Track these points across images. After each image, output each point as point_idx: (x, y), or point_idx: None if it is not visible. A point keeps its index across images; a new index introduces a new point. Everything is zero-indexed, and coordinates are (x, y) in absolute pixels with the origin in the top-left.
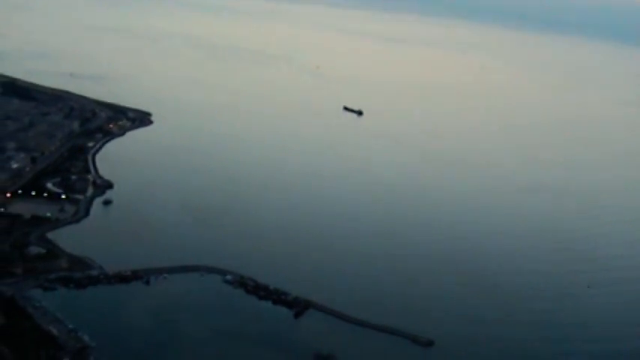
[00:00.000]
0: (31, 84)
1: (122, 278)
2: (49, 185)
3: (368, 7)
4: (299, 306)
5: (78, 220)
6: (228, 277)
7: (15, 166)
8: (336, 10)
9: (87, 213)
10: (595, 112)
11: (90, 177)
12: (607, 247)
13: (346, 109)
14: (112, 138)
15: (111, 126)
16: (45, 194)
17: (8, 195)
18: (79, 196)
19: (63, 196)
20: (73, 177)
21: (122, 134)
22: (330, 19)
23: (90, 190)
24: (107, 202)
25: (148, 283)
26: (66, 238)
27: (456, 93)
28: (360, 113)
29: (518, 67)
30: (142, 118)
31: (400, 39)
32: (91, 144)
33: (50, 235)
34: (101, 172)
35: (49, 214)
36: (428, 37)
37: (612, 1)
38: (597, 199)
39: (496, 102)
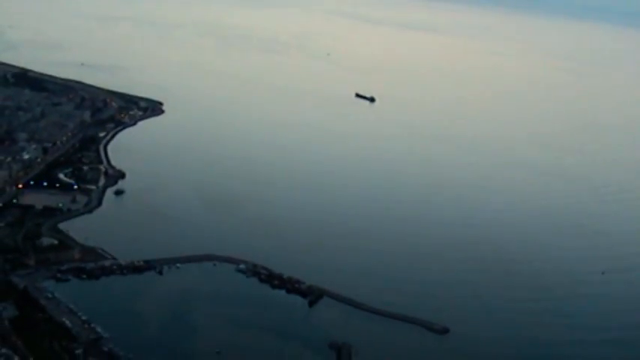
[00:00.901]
0: (43, 74)
1: (135, 268)
2: (61, 176)
3: None
4: (313, 295)
5: (90, 211)
6: (242, 266)
7: (27, 156)
8: None
9: (99, 203)
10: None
11: (102, 167)
12: (621, 232)
13: (358, 95)
14: (124, 128)
15: (122, 115)
16: (57, 185)
17: (20, 186)
18: (91, 187)
19: (75, 187)
20: (85, 167)
21: (134, 124)
22: (341, 6)
23: (102, 181)
24: (119, 192)
25: (160, 273)
26: (78, 228)
27: (468, 79)
28: (372, 100)
29: (529, 51)
30: (153, 108)
31: (411, 25)
32: (102, 134)
33: (62, 226)
34: (113, 162)
35: (61, 205)
36: (438, 23)
37: None
38: (612, 185)
39: (508, 87)
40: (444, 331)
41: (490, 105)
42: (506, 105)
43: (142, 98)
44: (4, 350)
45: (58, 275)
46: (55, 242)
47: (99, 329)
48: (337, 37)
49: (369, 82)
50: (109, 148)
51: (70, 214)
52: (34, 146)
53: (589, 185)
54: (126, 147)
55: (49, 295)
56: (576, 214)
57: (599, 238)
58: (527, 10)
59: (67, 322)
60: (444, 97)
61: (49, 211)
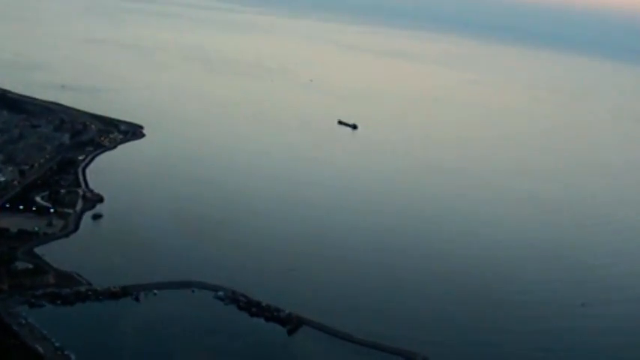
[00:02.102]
0: (22, 96)
1: (111, 294)
2: (38, 199)
3: (359, 22)
4: (292, 323)
5: (67, 235)
6: (220, 293)
7: (3, 179)
8: (330, 25)
9: (76, 227)
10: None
11: (80, 190)
12: (603, 263)
13: (341, 122)
14: (103, 151)
15: (102, 139)
16: (33, 208)
17: None
18: (69, 210)
19: (52, 210)
20: (63, 190)
21: (113, 147)
22: (324, 34)
23: (79, 204)
24: (97, 216)
25: (137, 299)
26: (54, 253)
27: (449, 107)
28: (354, 127)
29: (508, 79)
30: (134, 131)
31: (393, 53)
32: (81, 157)
33: (38, 250)
34: (91, 185)
35: (37, 229)
36: (420, 51)
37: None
38: (594, 213)
39: (489, 116)
40: None
41: (472, 133)
42: (487, 133)
43: (122, 121)
44: None
45: (32, 300)
46: (30, 267)
47: (73, 357)
48: (320, 63)
49: (352, 109)
50: (88, 171)
51: (46, 238)
52: (10, 168)
53: (571, 216)
54: (105, 170)
55: (23, 321)
56: (559, 245)
57: (580, 267)
58: (510, 41)
59: (40, 348)
60: (426, 124)
61: (25, 235)
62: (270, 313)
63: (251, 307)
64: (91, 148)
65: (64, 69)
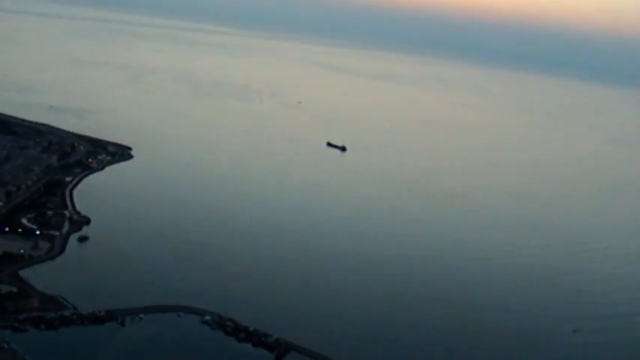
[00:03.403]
0: (10, 117)
1: (96, 319)
2: (24, 221)
3: (348, 45)
4: (280, 349)
5: (52, 258)
6: (207, 317)
7: None
8: (319, 48)
9: (62, 250)
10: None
11: (66, 212)
12: (595, 289)
13: (329, 144)
14: (91, 172)
15: (90, 160)
16: (19, 230)
17: None
18: (55, 233)
19: (37, 232)
20: (49, 212)
21: (101, 169)
22: (312, 56)
23: (66, 226)
24: (83, 239)
25: (123, 324)
26: (39, 276)
27: (438, 129)
28: (343, 149)
29: (497, 103)
30: (122, 152)
31: (381, 76)
32: (68, 178)
33: (23, 273)
34: (78, 207)
35: (22, 251)
36: (408, 74)
37: None
38: (585, 238)
39: (477, 138)
40: None
41: (461, 155)
42: (476, 156)
43: (110, 143)
44: None
45: (15, 325)
46: (14, 290)
47: None
48: (308, 85)
49: (341, 131)
50: (75, 193)
51: (31, 261)
52: None
53: (562, 240)
54: (92, 192)
55: (5, 346)
56: (549, 269)
57: (572, 293)
58: (497, 65)
59: None
60: (415, 147)
61: (9, 258)
62: (258, 339)
63: (239, 332)
64: (78, 170)
65: (53, 90)
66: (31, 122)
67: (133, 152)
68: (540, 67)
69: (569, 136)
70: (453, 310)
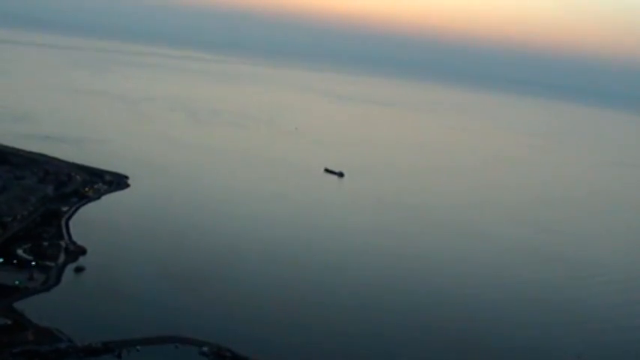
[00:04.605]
0: (6, 147)
1: (92, 351)
2: (20, 252)
3: (343, 71)
4: None
5: (48, 289)
6: (205, 348)
7: None
8: (315, 74)
9: (58, 281)
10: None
11: (62, 243)
12: (599, 315)
13: (327, 170)
14: (87, 202)
15: (86, 189)
16: (14, 261)
17: None
18: (50, 263)
19: (33, 264)
20: (45, 243)
21: (98, 198)
22: (309, 82)
23: (62, 257)
24: (79, 269)
25: (119, 356)
26: (34, 308)
27: (436, 154)
28: (341, 175)
29: (494, 127)
30: (118, 181)
31: (378, 101)
32: (65, 208)
33: (18, 305)
34: (74, 237)
35: (17, 283)
36: (404, 99)
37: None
38: (590, 261)
39: (475, 162)
40: None
41: (459, 179)
42: (474, 180)
43: (107, 172)
44: None
45: (10, 359)
46: (9, 323)
47: None
48: (304, 112)
49: (338, 157)
50: (71, 223)
51: (26, 293)
52: None
53: (566, 264)
54: (89, 222)
55: None
56: (551, 292)
57: (575, 319)
58: (495, 89)
59: None
60: (413, 172)
61: (4, 290)
62: None
63: None
64: (75, 199)
65: (49, 120)
66: (28, 152)
67: (129, 181)
68: (538, 91)
69: (569, 158)
70: (455, 337)
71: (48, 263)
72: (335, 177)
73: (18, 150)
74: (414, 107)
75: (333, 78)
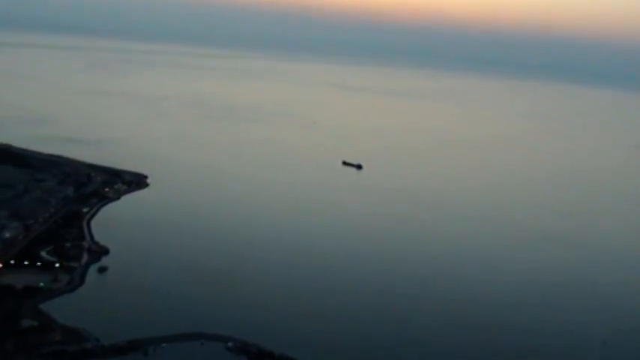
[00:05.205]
0: (26, 150)
1: (118, 350)
2: (43, 254)
3: (360, 63)
4: None
5: (72, 290)
6: (230, 344)
7: (8, 235)
8: (330, 67)
9: (82, 281)
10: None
11: (85, 243)
12: (624, 301)
13: (345, 163)
14: (108, 202)
15: (106, 190)
16: (38, 263)
17: (0, 265)
18: (74, 264)
19: (57, 265)
20: (68, 244)
21: (118, 198)
22: (324, 76)
23: (85, 257)
24: (103, 269)
25: (146, 354)
26: (60, 308)
27: (456, 144)
28: (359, 167)
29: (514, 115)
30: (138, 181)
31: (394, 92)
32: (85, 209)
33: (43, 307)
34: (96, 237)
35: (42, 284)
36: (420, 89)
37: None
38: (611, 247)
39: (495, 151)
40: None
41: (479, 169)
42: (494, 169)
43: (126, 172)
44: None
45: (38, 359)
46: (35, 324)
47: None
48: (322, 105)
49: (356, 150)
50: (93, 223)
51: (51, 294)
52: (15, 224)
53: (587, 250)
54: (110, 222)
55: None
56: (576, 278)
57: (600, 305)
58: (510, 75)
59: None
60: (431, 162)
61: (30, 291)
62: None
63: (263, 357)
64: (95, 200)
65: (68, 122)
66: (47, 155)
67: (148, 180)
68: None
69: (582, 144)
70: (476, 323)
71: (71, 264)
72: (353, 169)
73: (37, 153)
74: (437, 98)
75: (349, 70)
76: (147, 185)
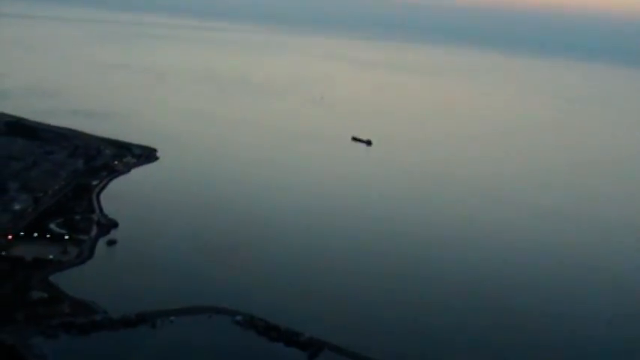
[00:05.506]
0: (36, 123)
1: (127, 322)
2: (52, 226)
3: (368, 37)
4: (313, 347)
5: (81, 262)
6: (238, 317)
7: (17, 207)
8: (339, 41)
9: (91, 254)
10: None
11: (94, 216)
12: (630, 277)
13: (354, 139)
14: (117, 175)
15: (116, 163)
16: (48, 235)
17: (10, 237)
18: (83, 237)
19: (66, 237)
20: (77, 217)
21: (127, 171)
22: (334, 50)
23: (94, 230)
24: (112, 242)
25: (154, 326)
26: (69, 281)
27: (463, 119)
28: (368, 143)
29: (519, 90)
30: (147, 155)
31: (403, 67)
32: (95, 182)
33: (53, 279)
34: (106, 210)
35: (51, 256)
36: (428, 64)
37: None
38: (620, 224)
39: (504, 127)
40: None
41: (488, 145)
42: (503, 145)
43: (135, 145)
44: None
45: (48, 331)
46: (45, 296)
47: None
48: (330, 80)
49: (365, 125)
50: (102, 196)
51: (60, 266)
52: (25, 196)
53: (597, 226)
54: (119, 195)
55: (38, 352)
56: (581, 255)
57: (607, 287)
58: (515, 51)
59: None
60: (441, 138)
61: (39, 263)
62: (290, 338)
63: (270, 331)
64: (104, 173)
65: (78, 95)
66: (57, 127)
67: (158, 154)
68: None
69: (592, 121)
70: (486, 305)
71: (81, 237)
72: (363, 145)
73: (47, 125)
74: (446, 74)
75: (362, 45)
76: (156, 159)
